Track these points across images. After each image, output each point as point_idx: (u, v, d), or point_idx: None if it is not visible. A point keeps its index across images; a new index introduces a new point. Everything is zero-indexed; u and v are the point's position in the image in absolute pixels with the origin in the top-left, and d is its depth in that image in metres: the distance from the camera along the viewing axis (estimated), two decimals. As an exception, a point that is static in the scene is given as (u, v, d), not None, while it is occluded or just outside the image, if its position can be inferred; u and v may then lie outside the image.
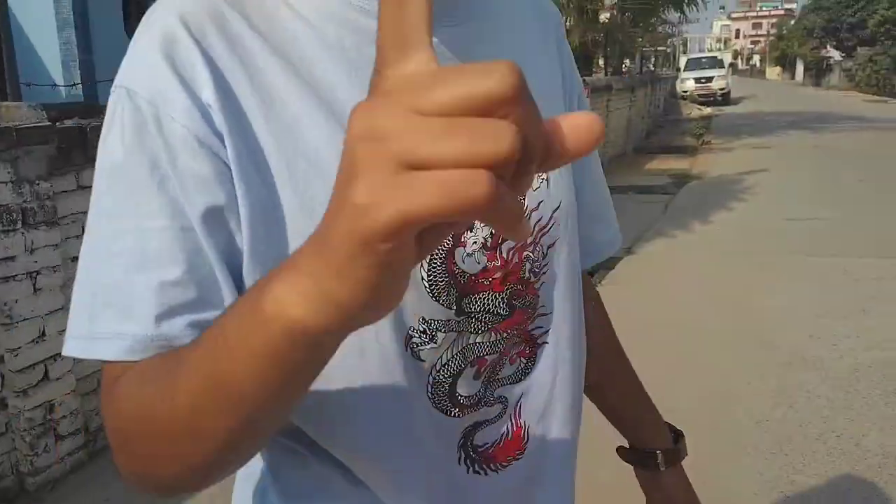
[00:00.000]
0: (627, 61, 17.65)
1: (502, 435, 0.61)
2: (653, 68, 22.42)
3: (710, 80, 24.74)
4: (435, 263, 0.54)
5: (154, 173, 0.47)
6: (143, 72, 0.48)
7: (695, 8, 14.48)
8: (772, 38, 69.27)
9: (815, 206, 6.85)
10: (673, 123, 17.77)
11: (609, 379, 0.84)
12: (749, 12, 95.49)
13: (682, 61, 28.54)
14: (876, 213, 6.43)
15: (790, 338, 3.66)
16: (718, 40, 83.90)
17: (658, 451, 0.83)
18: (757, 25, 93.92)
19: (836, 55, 42.67)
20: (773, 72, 65.66)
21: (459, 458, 0.59)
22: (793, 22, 61.32)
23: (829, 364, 3.32)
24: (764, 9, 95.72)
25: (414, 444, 0.56)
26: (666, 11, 14.91)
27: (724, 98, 24.75)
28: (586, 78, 9.95)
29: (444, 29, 0.53)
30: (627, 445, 0.87)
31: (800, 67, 52.13)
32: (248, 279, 0.49)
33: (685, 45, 42.17)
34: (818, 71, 45.65)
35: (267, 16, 0.51)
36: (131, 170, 0.47)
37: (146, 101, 0.47)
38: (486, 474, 0.60)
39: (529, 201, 0.58)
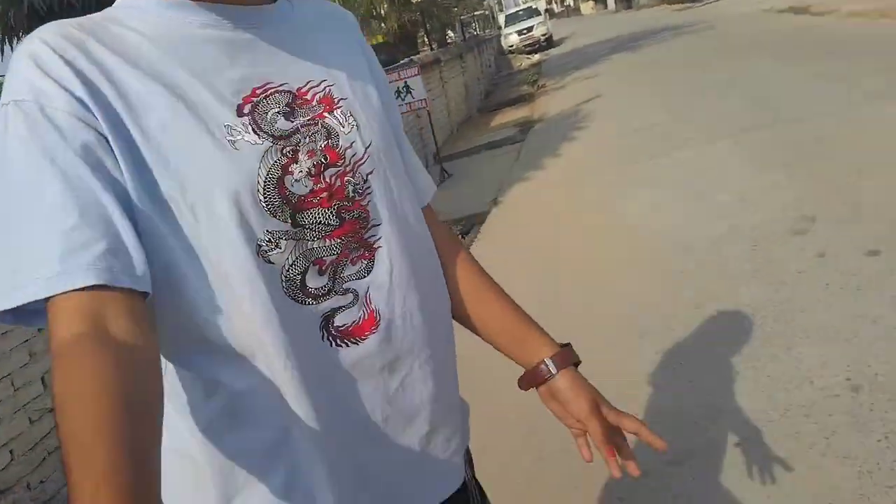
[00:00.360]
0: (450, 32, 18.01)
1: (359, 317, 0.76)
2: (475, 32, 22.98)
3: (530, 29, 25.68)
4: (269, 189, 0.69)
5: (46, 152, 0.61)
6: (23, 84, 0.63)
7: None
8: (576, -24, 72.34)
9: (649, 115, 7.34)
10: (507, 78, 18.37)
11: (484, 307, 0.92)
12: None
13: (501, 19, 29.41)
14: (703, 107, 6.97)
15: (655, 229, 3.94)
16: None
17: (545, 359, 0.88)
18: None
19: (635, -23, 45.17)
20: (587, 7, 68.72)
21: (322, 336, 0.74)
22: (590, -43, 64.26)
23: (697, 244, 3.61)
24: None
25: (280, 330, 0.70)
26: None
27: (548, 42, 25.77)
28: (414, 57, 10.08)
29: (266, 28, 0.76)
30: (521, 377, 0.91)
31: (608, -4, 54.84)
32: (134, 195, 0.65)
33: (500, 3, 43.39)
34: (625, -5, 48.19)
35: (119, 40, 0.69)
36: (29, 155, 0.61)
37: (31, 102, 0.62)
38: (347, 346, 0.75)
39: (343, 141, 0.76)
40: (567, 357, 0.89)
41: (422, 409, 0.82)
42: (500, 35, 26.89)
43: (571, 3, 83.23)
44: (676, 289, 3.19)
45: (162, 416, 0.59)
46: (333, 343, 0.74)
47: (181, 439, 0.74)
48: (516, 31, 25.78)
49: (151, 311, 0.66)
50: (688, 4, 28.52)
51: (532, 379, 0.89)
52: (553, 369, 0.87)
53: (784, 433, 2.05)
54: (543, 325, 0.93)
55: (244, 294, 0.68)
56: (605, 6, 57.56)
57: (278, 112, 0.73)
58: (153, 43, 0.69)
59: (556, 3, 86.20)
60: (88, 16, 0.70)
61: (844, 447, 1.92)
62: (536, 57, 21.93)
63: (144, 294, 0.63)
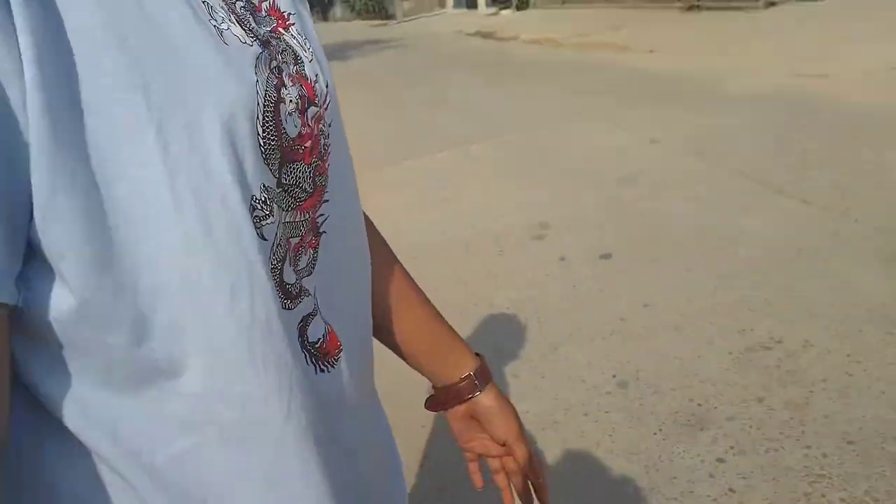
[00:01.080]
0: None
1: (325, 328, 0.56)
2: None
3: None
4: (268, 119, 0.47)
5: None
6: None
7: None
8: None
9: (373, 124, 7.41)
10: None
11: (409, 315, 0.77)
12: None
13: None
14: (425, 119, 7.25)
15: (402, 234, 3.92)
16: None
17: (471, 373, 0.76)
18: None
19: (336, -12, 46.21)
20: (288, 12, 68.42)
21: (306, 359, 0.54)
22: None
23: (447, 250, 3.66)
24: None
25: (275, 352, 0.49)
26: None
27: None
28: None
29: None
30: (433, 392, 0.79)
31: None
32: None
33: None
34: (322, 7, 48.97)
35: None
36: None
37: None
38: (328, 372, 0.56)
39: (309, 71, 0.54)
40: (488, 371, 0.78)
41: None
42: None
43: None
44: (440, 290, 3.18)
45: None
46: (316, 368, 0.55)
47: None
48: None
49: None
50: (383, 21, 29.90)
51: (454, 397, 0.77)
52: (480, 385, 0.76)
53: (571, 433, 2.12)
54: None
55: (240, 288, 0.46)
56: (308, 13, 57.78)
57: (245, 8, 0.50)
58: None
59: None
60: None
61: (627, 443, 2.03)
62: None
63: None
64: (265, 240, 0.48)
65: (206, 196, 0.43)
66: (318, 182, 0.55)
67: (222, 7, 0.47)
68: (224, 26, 0.46)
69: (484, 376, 0.78)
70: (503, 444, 0.76)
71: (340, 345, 0.58)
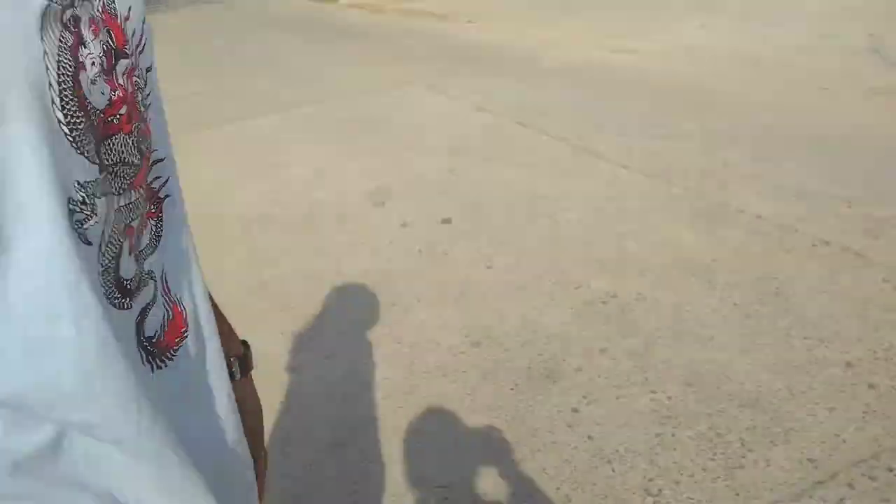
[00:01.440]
0: None
1: (164, 317, 0.52)
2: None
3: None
4: (66, 93, 0.38)
5: None
6: None
7: None
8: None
9: (188, 83, 6.88)
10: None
11: None
12: None
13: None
14: (244, 80, 6.85)
15: (236, 205, 3.70)
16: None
17: (234, 359, 0.73)
18: None
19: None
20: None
21: (142, 358, 0.49)
22: None
23: (285, 219, 3.49)
24: None
25: (106, 363, 0.42)
26: None
27: None
28: None
29: None
30: None
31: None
32: None
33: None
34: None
35: None
36: None
37: None
38: (165, 366, 0.51)
39: (120, 6, 0.46)
40: (250, 362, 0.77)
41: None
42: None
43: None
44: (272, 267, 3.04)
45: None
46: (154, 366, 0.50)
47: None
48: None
49: None
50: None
51: None
52: (238, 374, 0.73)
53: (432, 395, 2.13)
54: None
55: (62, 317, 0.39)
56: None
57: None
58: None
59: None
60: None
61: (486, 401, 2.08)
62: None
63: None
64: (90, 244, 0.41)
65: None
66: (144, 147, 0.47)
67: None
68: None
69: (245, 366, 0.76)
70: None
71: (185, 329, 0.53)
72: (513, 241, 3.02)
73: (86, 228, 0.40)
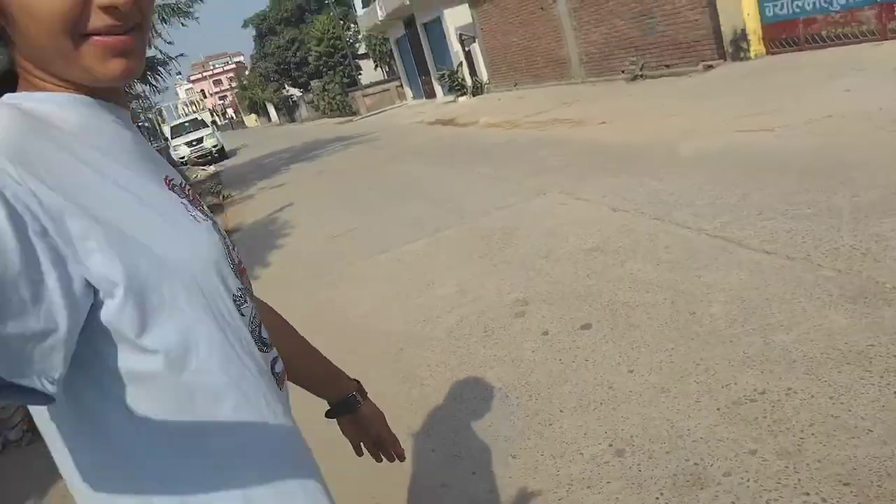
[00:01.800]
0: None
1: (282, 367, 0.91)
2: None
3: (200, 140, 25.18)
4: (229, 255, 0.82)
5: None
6: None
7: (159, 77, 14.49)
8: (236, 90, 73.74)
9: (344, 220, 7.57)
10: (184, 190, 17.54)
11: (294, 352, 1.05)
12: (205, 72, 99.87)
13: (167, 130, 28.39)
14: (392, 211, 7.42)
15: (387, 327, 3.97)
16: (190, 103, 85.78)
17: (354, 392, 1.16)
18: (217, 82, 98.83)
19: (295, 92, 47.67)
20: (250, 119, 70.06)
21: (276, 383, 0.86)
22: (247, 72, 66.32)
23: (434, 335, 3.71)
24: (216, 66, 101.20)
25: (258, 373, 0.80)
26: (132, 85, 14.57)
27: (220, 154, 25.48)
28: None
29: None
30: (329, 407, 1.17)
31: (272, 110, 56.74)
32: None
33: (161, 115, 41.99)
34: (288, 108, 50.36)
35: (55, 141, 0.67)
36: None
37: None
38: (282, 390, 0.88)
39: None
40: (363, 390, 1.19)
41: None
42: (167, 147, 25.84)
43: (234, 116, 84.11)
44: (425, 385, 3.22)
45: None
46: (281, 387, 0.88)
47: None
48: (185, 143, 25.06)
49: None
50: (348, 118, 30.82)
51: (345, 408, 1.16)
52: (361, 400, 1.17)
53: (575, 509, 2.14)
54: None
55: (236, 346, 0.77)
56: (269, 119, 59.31)
57: (189, 199, 0.83)
58: (82, 138, 0.71)
59: (218, 115, 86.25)
60: (15, 114, 0.68)
61: (632, 511, 2.06)
62: (212, 168, 21.48)
63: None
64: (244, 315, 0.81)
65: (211, 304, 0.76)
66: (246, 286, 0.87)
67: (183, 204, 0.79)
68: (194, 213, 0.79)
69: (362, 393, 1.18)
70: (377, 436, 1.18)
71: (286, 377, 0.92)
72: (654, 342, 2.99)
73: (241, 307, 0.80)
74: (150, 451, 0.71)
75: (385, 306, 4.48)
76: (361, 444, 1.18)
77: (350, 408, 1.15)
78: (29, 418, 4.55)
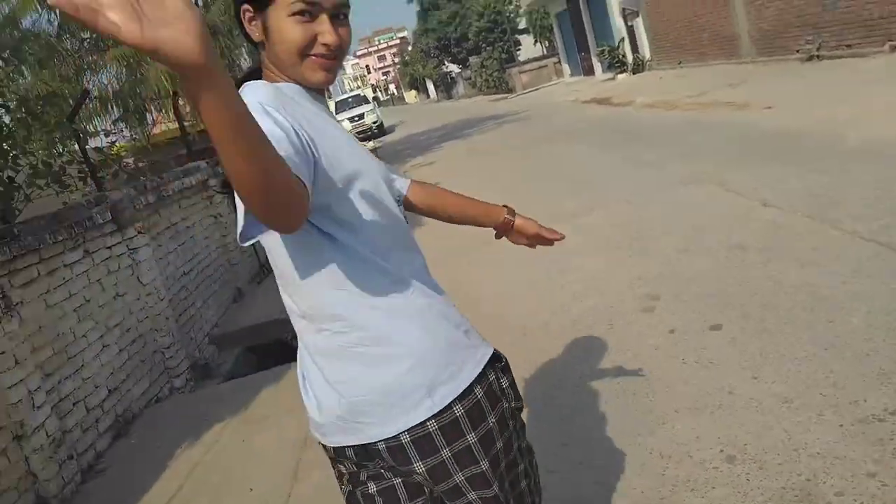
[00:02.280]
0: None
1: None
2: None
3: (362, 116, 26.41)
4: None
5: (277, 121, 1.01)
6: (262, 96, 1.06)
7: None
8: (398, 66, 76.06)
9: (487, 199, 7.72)
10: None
11: (454, 207, 1.61)
12: (370, 48, 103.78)
13: (332, 105, 30.03)
14: (536, 192, 7.48)
15: (516, 312, 4.10)
16: (355, 79, 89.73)
17: (505, 216, 1.60)
18: (382, 58, 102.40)
19: (454, 68, 48.39)
20: (410, 96, 72.09)
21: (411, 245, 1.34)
22: (410, 48, 68.10)
23: (555, 326, 3.80)
24: (382, 41, 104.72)
25: (406, 245, 1.29)
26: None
27: (380, 130, 26.59)
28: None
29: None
30: (495, 232, 1.63)
31: (430, 86, 58.04)
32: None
33: (328, 90, 44.32)
34: (446, 85, 51.31)
35: (293, 98, 1.16)
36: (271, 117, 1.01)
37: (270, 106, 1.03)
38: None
39: None
40: (513, 211, 1.62)
41: None
42: (332, 121, 27.30)
43: (395, 92, 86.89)
44: (542, 371, 3.32)
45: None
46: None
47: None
48: (348, 118, 26.38)
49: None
50: (503, 95, 30.90)
51: (505, 229, 1.61)
52: (513, 218, 1.61)
53: (676, 510, 2.17)
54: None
55: (397, 226, 1.26)
56: (428, 95, 60.69)
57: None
58: (301, 102, 1.17)
59: (380, 91, 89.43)
60: (270, 86, 1.13)
61: (732, 519, 2.06)
62: (371, 144, 22.51)
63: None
64: (401, 214, 1.28)
65: (383, 194, 1.24)
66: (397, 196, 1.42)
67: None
68: (363, 149, 1.27)
69: (512, 213, 1.61)
70: (535, 235, 1.63)
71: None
72: (785, 350, 2.90)
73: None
74: (344, 265, 1.15)
75: (514, 291, 4.60)
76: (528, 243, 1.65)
77: (508, 227, 1.59)
78: (192, 367, 5.17)
